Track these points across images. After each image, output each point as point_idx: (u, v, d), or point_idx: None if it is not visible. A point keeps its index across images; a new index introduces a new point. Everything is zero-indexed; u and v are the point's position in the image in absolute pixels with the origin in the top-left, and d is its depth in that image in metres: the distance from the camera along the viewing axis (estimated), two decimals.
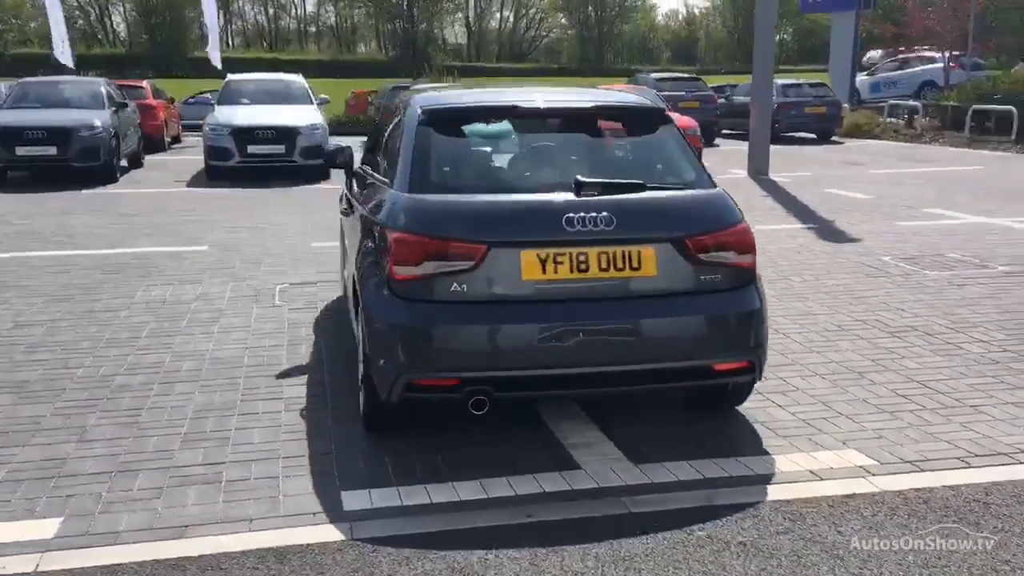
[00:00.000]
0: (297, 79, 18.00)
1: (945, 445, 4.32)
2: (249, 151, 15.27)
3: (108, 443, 4.44)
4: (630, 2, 78.47)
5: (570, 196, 4.14)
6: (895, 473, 4.02)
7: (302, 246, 9.60)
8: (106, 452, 4.33)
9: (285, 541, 3.46)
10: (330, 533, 3.53)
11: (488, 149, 4.71)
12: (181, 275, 8.17)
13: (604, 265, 4.06)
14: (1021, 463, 4.13)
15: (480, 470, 4.06)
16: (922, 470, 4.06)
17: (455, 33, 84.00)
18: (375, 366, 4.18)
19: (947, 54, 26.32)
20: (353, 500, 3.81)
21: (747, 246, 4.28)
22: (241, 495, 3.87)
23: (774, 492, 3.85)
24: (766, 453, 4.26)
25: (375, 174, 5.23)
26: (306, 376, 5.44)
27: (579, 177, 4.20)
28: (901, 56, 30.48)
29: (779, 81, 21.73)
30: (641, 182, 4.27)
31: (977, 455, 4.21)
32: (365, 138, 7.30)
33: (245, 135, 15.25)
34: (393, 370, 4.09)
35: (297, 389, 5.21)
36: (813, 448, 4.30)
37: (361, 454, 4.28)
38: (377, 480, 4.00)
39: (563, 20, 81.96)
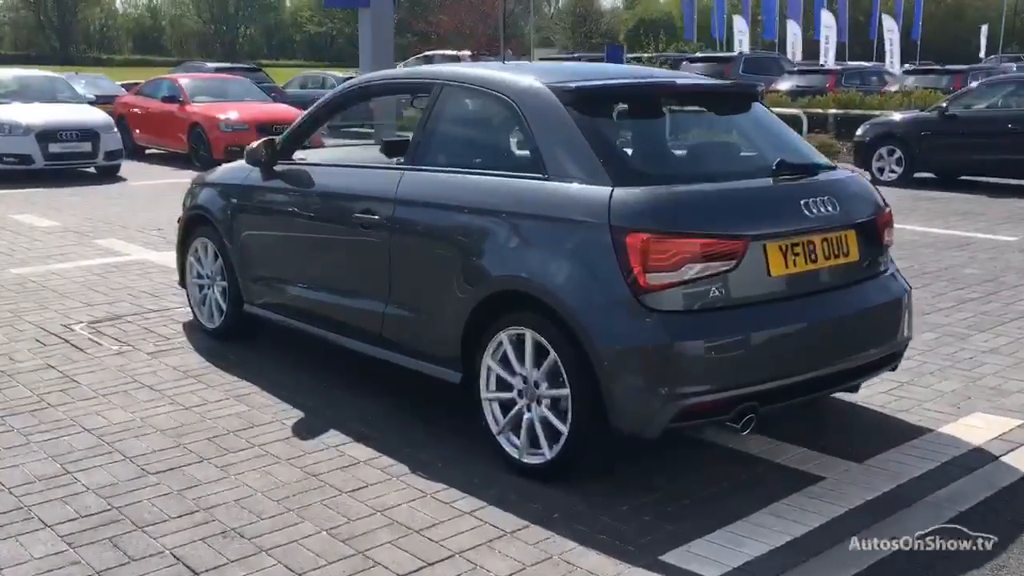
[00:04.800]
0: None
1: (1007, 399, 4.71)
2: None
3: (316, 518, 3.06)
4: None
5: (777, 181, 3.77)
6: None
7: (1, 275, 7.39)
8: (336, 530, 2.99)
9: None
10: None
11: (647, 131, 4.07)
12: None
13: (827, 253, 3.76)
14: None
15: (736, 505, 3.52)
16: None
17: None
18: (618, 397, 3.40)
19: (473, 53, 28.39)
20: (695, 562, 3.11)
21: (892, 226, 4.26)
22: None
23: (1013, 460, 3.93)
24: (928, 430, 4.26)
25: (432, 168, 4.20)
26: (337, 431, 4.24)
27: (783, 159, 3.84)
28: (425, 54, 32.14)
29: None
30: (816, 163, 4.04)
31: None
32: None
33: None
34: (659, 399, 3.37)
35: (360, 449, 4.05)
36: (950, 419, 4.39)
37: (586, 509, 3.47)
38: (667, 537, 3.27)
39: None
